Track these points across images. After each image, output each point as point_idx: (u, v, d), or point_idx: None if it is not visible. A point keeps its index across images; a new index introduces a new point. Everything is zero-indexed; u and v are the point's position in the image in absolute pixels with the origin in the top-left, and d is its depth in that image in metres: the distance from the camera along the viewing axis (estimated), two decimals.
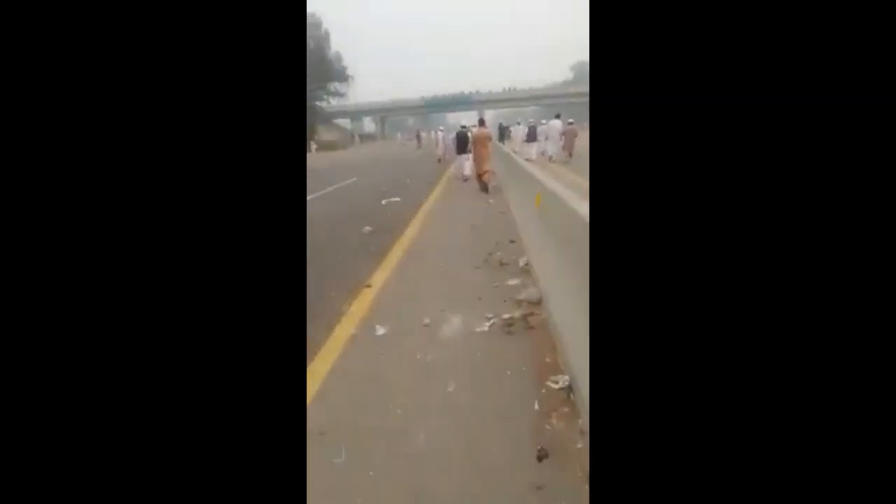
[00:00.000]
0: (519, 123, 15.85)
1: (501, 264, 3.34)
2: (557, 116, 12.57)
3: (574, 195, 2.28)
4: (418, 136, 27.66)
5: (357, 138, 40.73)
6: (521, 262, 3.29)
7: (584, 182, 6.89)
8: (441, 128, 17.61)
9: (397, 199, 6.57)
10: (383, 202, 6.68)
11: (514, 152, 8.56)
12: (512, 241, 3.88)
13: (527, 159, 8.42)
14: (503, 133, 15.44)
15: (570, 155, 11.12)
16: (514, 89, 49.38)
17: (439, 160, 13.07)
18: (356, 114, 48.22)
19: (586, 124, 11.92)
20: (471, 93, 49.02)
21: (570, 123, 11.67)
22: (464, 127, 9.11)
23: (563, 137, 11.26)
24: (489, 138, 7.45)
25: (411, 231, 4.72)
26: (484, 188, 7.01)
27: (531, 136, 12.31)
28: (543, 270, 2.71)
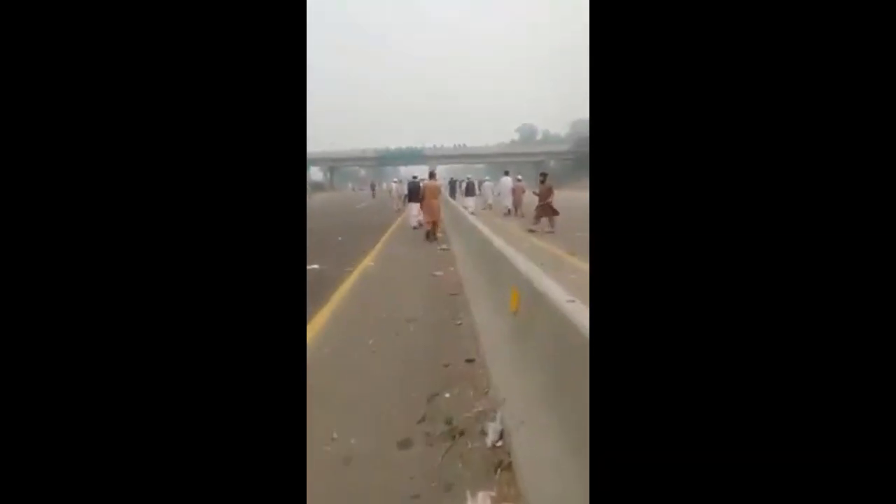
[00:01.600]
0: (468, 179, 15.83)
1: (453, 433, 1.64)
2: (506, 174, 12.86)
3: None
4: (373, 187, 28.65)
5: (309, 187, 39.30)
6: (491, 434, 1.57)
7: (550, 248, 6.23)
8: (395, 179, 18.12)
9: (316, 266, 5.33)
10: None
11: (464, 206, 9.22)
12: (469, 361, 2.32)
13: (464, 207, 9.13)
14: (453, 187, 15.11)
15: (518, 211, 11.28)
16: (464, 146, 51.21)
17: (397, 209, 13.58)
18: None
19: (531, 182, 12.42)
20: (423, 147, 50.08)
21: (519, 180, 11.99)
22: (415, 177, 9.37)
23: (512, 193, 11.60)
24: (439, 190, 7.67)
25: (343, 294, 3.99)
26: (431, 237, 7.15)
27: (469, 191, 12.95)
28: (541, 472, 1.20)
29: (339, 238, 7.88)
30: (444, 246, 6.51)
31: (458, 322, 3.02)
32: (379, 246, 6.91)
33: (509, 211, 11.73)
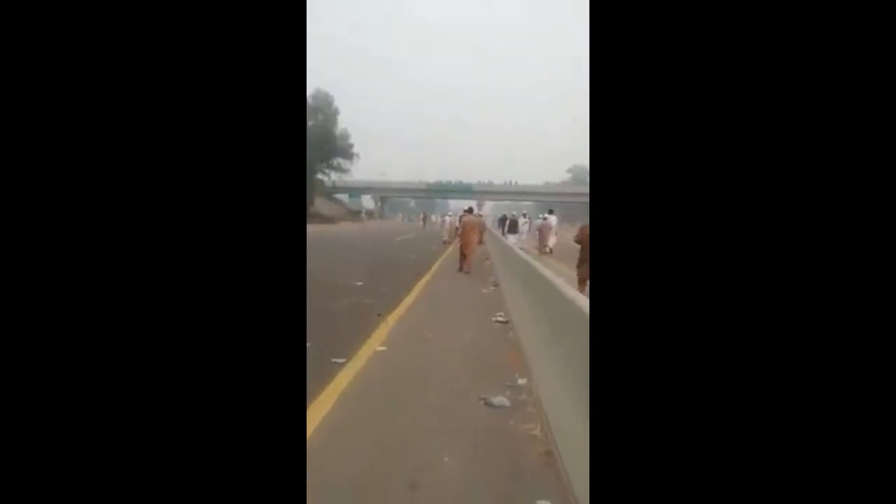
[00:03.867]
0: (525, 215, 15.74)
1: None
2: (550, 212, 12.17)
3: None
4: (424, 217, 29.78)
5: (364, 214, 41.73)
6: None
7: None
8: (450, 213, 19.08)
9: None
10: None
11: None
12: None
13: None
14: (504, 224, 14.66)
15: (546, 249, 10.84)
16: (513, 183, 51.04)
17: (444, 241, 14.27)
18: (356, 190, 49.13)
19: (578, 222, 11.80)
20: (472, 183, 50.56)
21: (544, 219, 11.62)
22: (468, 210, 9.58)
23: (539, 231, 11.31)
24: (478, 226, 7.88)
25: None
26: (464, 269, 7.25)
27: (511, 228, 12.84)
28: None
29: (359, 283, 5.92)
30: (491, 288, 5.81)
31: None
32: (412, 298, 5.08)
33: (550, 250, 11.05)
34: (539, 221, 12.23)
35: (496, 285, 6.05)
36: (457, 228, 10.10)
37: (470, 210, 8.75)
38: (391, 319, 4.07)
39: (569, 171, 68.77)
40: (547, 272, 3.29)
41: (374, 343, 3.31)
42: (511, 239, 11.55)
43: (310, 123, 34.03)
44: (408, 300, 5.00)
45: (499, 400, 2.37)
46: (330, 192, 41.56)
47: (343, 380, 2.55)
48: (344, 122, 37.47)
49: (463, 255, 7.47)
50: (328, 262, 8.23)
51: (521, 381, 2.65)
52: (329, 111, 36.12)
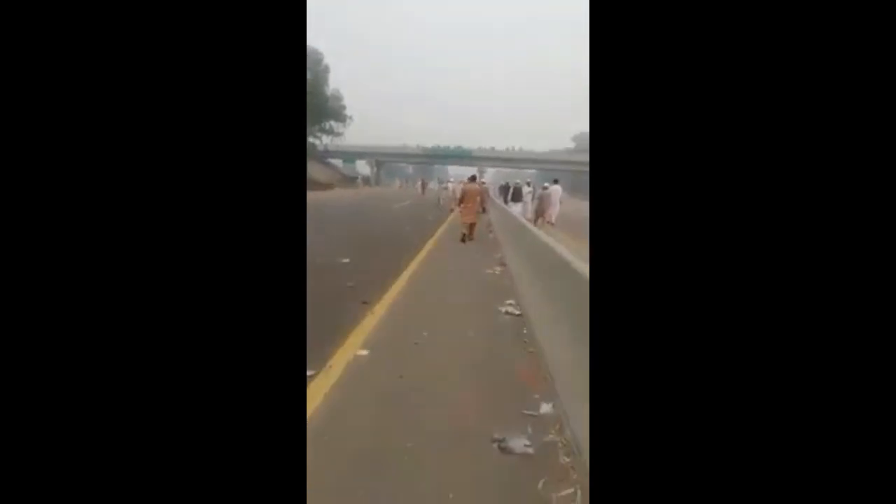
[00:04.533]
0: (528, 183, 14.22)
1: None
2: (555, 182, 11.31)
3: None
4: (423, 184, 28.38)
5: (360, 180, 40.39)
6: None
7: None
8: (451, 179, 18.97)
9: None
10: None
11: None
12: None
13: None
14: (506, 193, 13.71)
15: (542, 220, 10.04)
16: (515, 149, 49.32)
17: (452, 209, 13.24)
18: (349, 155, 47.30)
19: (584, 193, 11.05)
20: (472, 149, 48.82)
21: (545, 188, 10.69)
22: (472, 178, 9.07)
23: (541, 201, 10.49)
24: (479, 194, 7.48)
25: None
26: (467, 238, 7.14)
27: (515, 197, 11.94)
28: None
29: (346, 260, 5.12)
30: (496, 269, 5.00)
31: None
32: (404, 280, 4.27)
33: (552, 223, 10.29)
34: (539, 189, 11.33)
35: (503, 265, 5.28)
36: (457, 198, 9.66)
37: (473, 178, 8.31)
38: (379, 308, 3.30)
39: (574, 138, 66.58)
40: (569, 256, 2.57)
41: (355, 344, 2.61)
42: (516, 208, 10.87)
43: None
44: (400, 282, 4.23)
45: (519, 444, 1.70)
46: (323, 157, 39.94)
47: (310, 404, 1.88)
48: (335, 82, 35.21)
49: (467, 225, 7.34)
50: (314, 234, 7.37)
51: (546, 408, 1.96)
52: (318, 69, 33.26)
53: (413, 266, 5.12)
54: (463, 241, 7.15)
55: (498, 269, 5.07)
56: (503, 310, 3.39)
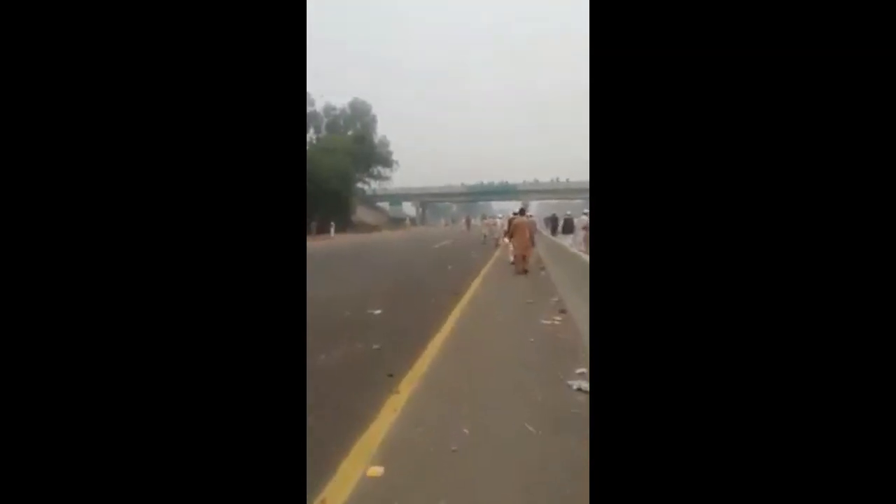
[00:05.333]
0: (586, 213, 13.51)
1: None
2: None
3: None
4: (468, 221, 30.54)
5: (407, 221, 41.95)
6: None
7: None
8: (500, 215, 19.20)
9: None
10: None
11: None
12: None
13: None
14: (554, 225, 12.90)
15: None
16: (560, 181, 48.04)
17: (497, 244, 13.04)
18: (396, 198, 48.59)
19: None
20: (516, 183, 48.28)
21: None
22: (520, 212, 9.17)
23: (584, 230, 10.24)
24: (528, 227, 7.51)
25: None
26: (521, 271, 7.24)
27: (567, 228, 11.73)
28: None
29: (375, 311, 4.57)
30: (556, 318, 4.15)
31: None
32: (444, 336, 3.56)
33: None
34: (584, 218, 10.56)
35: (563, 311, 4.37)
36: (505, 231, 9.35)
37: (522, 212, 8.24)
38: (406, 386, 2.57)
39: None
40: None
41: (366, 451, 1.82)
42: (567, 241, 9.94)
43: (349, 132, 33.92)
44: (437, 340, 3.50)
45: None
46: (371, 201, 41.31)
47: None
48: (382, 130, 37.03)
49: (520, 258, 7.49)
50: (344, 281, 6.93)
51: None
52: (367, 119, 35.70)
53: (456, 314, 4.37)
54: (517, 272, 7.31)
55: (558, 318, 4.17)
56: (574, 385, 2.45)
